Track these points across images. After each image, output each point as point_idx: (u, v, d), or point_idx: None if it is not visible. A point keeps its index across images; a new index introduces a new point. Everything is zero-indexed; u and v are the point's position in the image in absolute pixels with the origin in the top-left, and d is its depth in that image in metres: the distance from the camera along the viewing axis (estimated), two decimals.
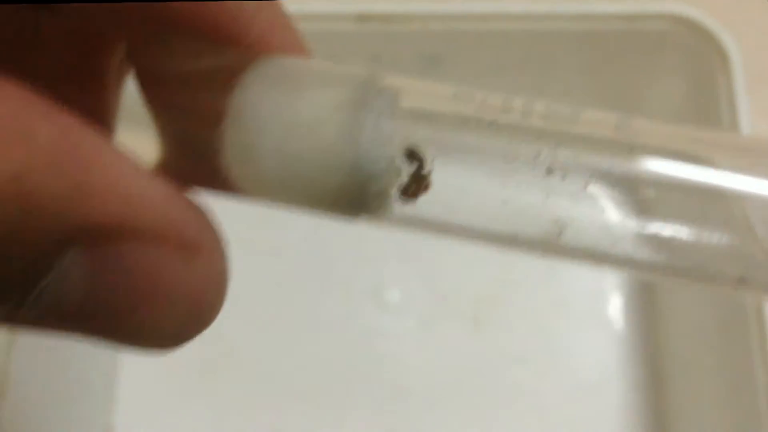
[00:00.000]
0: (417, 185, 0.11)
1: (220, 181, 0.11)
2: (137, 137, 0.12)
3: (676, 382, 0.35)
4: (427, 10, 0.35)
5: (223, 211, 0.12)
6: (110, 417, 0.35)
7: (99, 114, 0.12)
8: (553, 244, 0.11)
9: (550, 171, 0.11)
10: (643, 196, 0.11)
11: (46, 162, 0.09)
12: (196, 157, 0.11)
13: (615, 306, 0.37)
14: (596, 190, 0.11)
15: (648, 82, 0.38)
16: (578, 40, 0.36)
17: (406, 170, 0.11)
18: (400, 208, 0.11)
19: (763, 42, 0.40)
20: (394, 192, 0.11)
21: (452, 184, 0.11)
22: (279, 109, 0.10)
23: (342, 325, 0.37)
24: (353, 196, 0.10)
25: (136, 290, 0.10)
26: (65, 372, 0.33)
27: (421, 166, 0.11)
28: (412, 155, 0.11)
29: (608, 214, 0.11)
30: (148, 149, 0.12)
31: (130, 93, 0.12)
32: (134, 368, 0.36)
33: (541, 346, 0.37)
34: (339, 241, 0.38)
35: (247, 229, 0.37)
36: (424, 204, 0.11)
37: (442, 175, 0.11)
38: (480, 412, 0.35)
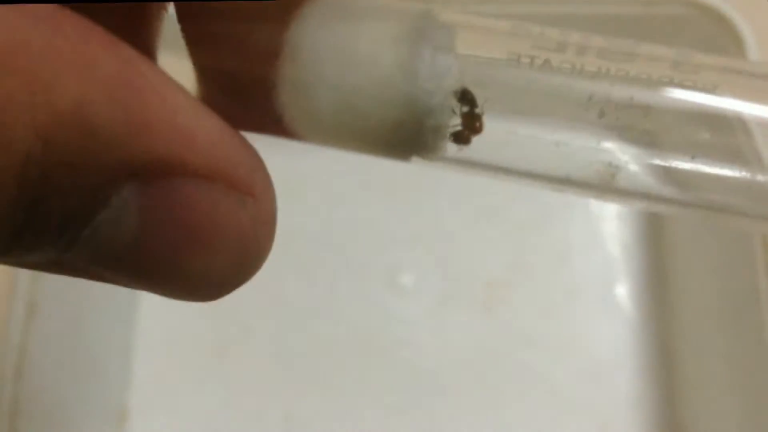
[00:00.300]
0: (470, 127, 0.11)
1: (272, 121, 0.11)
2: (176, 74, 0.12)
3: (686, 366, 0.35)
4: None
5: None
6: (125, 398, 0.35)
7: (143, 48, 0.12)
8: (606, 186, 0.11)
9: (603, 113, 0.11)
10: (697, 139, 0.11)
11: (105, 93, 0.09)
12: (247, 96, 0.11)
13: (625, 290, 0.37)
14: (650, 132, 0.11)
15: None
16: (593, 23, 0.36)
17: (459, 111, 0.11)
18: (453, 149, 0.11)
19: None
20: (449, 132, 0.11)
21: (503, 127, 0.11)
22: (337, 42, 0.10)
23: (356, 308, 0.37)
24: (410, 130, 0.10)
25: (190, 228, 0.10)
26: (81, 353, 0.33)
27: (473, 108, 0.11)
28: (464, 96, 0.11)
29: (660, 154, 0.11)
30: (188, 88, 0.11)
31: (168, 27, 0.12)
32: (149, 349, 0.36)
33: (553, 329, 0.37)
34: (354, 225, 0.38)
35: None
36: (476, 146, 0.11)
37: (494, 116, 0.11)
38: (492, 394, 0.36)
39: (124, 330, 0.35)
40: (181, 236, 0.10)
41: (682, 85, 0.10)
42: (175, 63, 0.12)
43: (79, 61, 0.09)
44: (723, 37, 0.34)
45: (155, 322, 0.36)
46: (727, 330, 0.33)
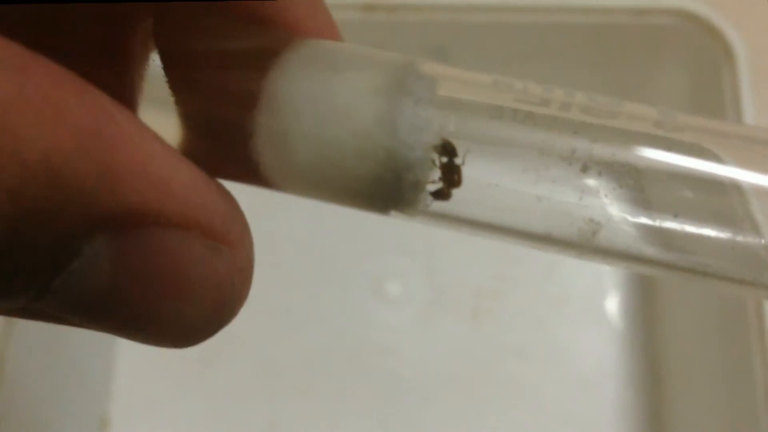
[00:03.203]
0: (449, 179, 0.10)
1: (248, 170, 0.10)
2: (158, 120, 0.11)
3: (673, 379, 0.35)
4: (434, 0, 0.34)
5: None
6: (106, 407, 0.35)
7: (122, 94, 0.12)
8: (586, 244, 0.11)
9: (585, 168, 0.10)
10: (681, 197, 0.10)
11: (75, 143, 0.09)
12: (225, 143, 0.11)
13: (613, 302, 0.37)
14: (633, 188, 0.10)
15: (653, 76, 0.38)
16: (584, 33, 0.36)
17: (439, 163, 0.10)
18: (432, 202, 0.11)
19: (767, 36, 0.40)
20: (428, 185, 0.10)
21: (485, 179, 0.11)
22: (315, 92, 0.10)
23: (342, 316, 0.36)
24: (388, 184, 0.10)
25: (162, 279, 0.10)
26: (62, 362, 0.33)
27: (453, 159, 0.10)
28: (445, 147, 0.10)
29: (644, 214, 0.10)
30: (169, 134, 0.11)
31: (153, 73, 0.12)
32: (131, 359, 0.35)
33: (540, 340, 0.36)
34: (340, 233, 0.38)
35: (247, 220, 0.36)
36: (457, 199, 0.11)
37: (475, 169, 0.10)
38: (477, 405, 0.35)
39: (106, 337, 0.35)
40: (154, 286, 0.10)
41: (664, 145, 0.10)
42: (161, 110, 0.11)
43: (49, 111, 0.09)
44: (713, 47, 0.34)
45: None
46: (714, 342, 0.33)
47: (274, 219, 0.38)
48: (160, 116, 0.11)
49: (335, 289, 0.37)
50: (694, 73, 0.36)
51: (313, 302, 0.37)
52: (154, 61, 0.11)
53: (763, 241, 0.10)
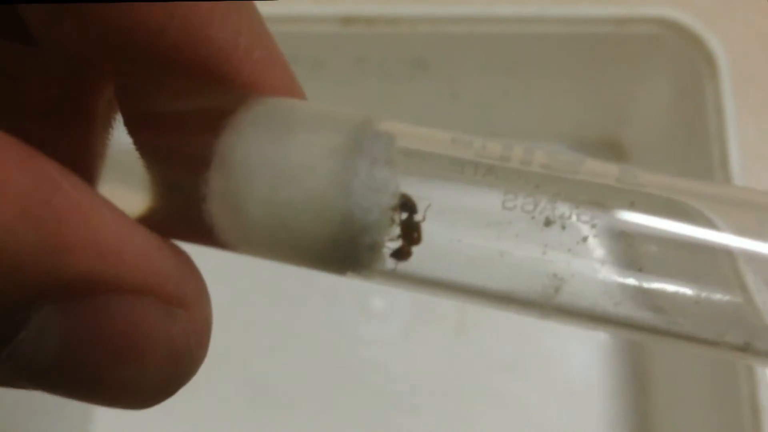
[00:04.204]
0: (409, 236, 0.10)
1: (203, 232, 0.10)
2: (127, 183, 0.11)
3: (660, 391, 0.35)
4: (413, 12, 0.34)
5: None
6: (88, 426, 0.34)
7: (83, 157, 0.11)
8: (549, 301, 0.10)
9: (549, 222, 0.10)
10: (643, 252, 0.10)
11: (17, 213, 0.09)
12: (179, 206, 0.11)
13: None
14: (596, 243, 0.10)
15: (636, 85, 0.38)
16: (566, 43, 0.35)
17: (399, 220, 0.10)
18: (391, 262, 0.10)
19: (751, 43, 0.40)
20: (386, 245, 0.10)
21: (447, 235, 0.10)
22: (268, 154, 0.10)
23: (326, 332, 0.36)
24: (344, 247, 0.10)
25: (115, 345, 0.10)
26: None
27: (413, 216, 0.10)
28: (405, 204, 0.10)
29: (607, 269, 0.10)
30: (137, 196, 0.11)
31: (120, 136, 0.11)
32: None
33: (526, 353, 0.36)
34: None
35: None
36: (416, 256, 0.10)
37: (436, 225, 0.10)
38: (464, 418, 0.35)
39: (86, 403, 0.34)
40: (106, 353, 0.10)
41: (628, 199, 0.10)
42: (123, 173, 0.11)
43: None
44: (695, 56, 0.34)
45: None
46: (700, 356, 0.33)
47: None
48: (123, 179, 0.11)
49: (320, 304, 0.37)
50: (677, 82, 0.36)
51: (297, 318, 0.36)
52: (118, 123, 0.11)
53: (728, 297, 0.10)
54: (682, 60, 0.35)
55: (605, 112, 0.39)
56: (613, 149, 0.40)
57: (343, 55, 0.35)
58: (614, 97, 0.38)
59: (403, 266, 0.10)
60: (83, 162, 0.11)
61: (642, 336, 0.10)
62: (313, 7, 0.35)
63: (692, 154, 0.35)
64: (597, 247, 0.10)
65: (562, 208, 0.10)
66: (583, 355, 0.36)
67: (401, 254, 0.10)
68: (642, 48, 0.36)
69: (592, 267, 0.10)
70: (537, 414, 0.35)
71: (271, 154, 0.10)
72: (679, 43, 0.35)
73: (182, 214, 0.10)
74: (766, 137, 0.38)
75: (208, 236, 0.10)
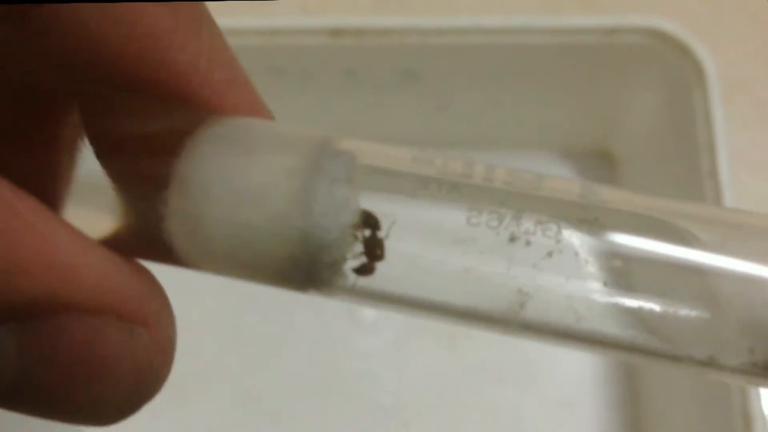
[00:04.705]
0: (372, 253, 0.10)
1: (164, 251, 0.10)
2: (93, 204, 0.11)
3: (652, 402, 0.35)
4: (402, 24, 0.34)
5: None
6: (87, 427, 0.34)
7: (46, 179, 0.11)
8: (515, 317, 0.10)
9: (513, 238, 0.10)
10: (608, 267, 0.10)
11: None
12: (142, 225, 0.11)
13: None
14: (561, 259, 0.10)
15: (625, 94, 0.38)
16: (555, 53, 0.35)
17: (361, 237, 0.10)
18: (354, 279, 0.10)
19: (739, 51, 0.40)
20: (348, 263, 0.10)
21: (411, 251, 0.10)
22: (227, 174, 0.10)
23: (317, 343, 0.36)
24: (304, 266, 0.10)
25: (75, 365, 0.10)
26: None
27: (376, 233, 0.10)
28: (368, 221, 0.10)
29: (572, 284, 0.10)
30: (104, 217, 0.11)
31: (87, 158, 0.11)
32: None
33: (518, 364, 0.36)
34: None
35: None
36: (379, 274, 0.10)
37: (400, 241, 0.10)
38: (456, 429, 0.35)
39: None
40: (67, 372, 0.10)
41: (592, 214, 0.10)
42: (89, 194, 0.11)
43: None
44: (684, 65, 0.34)
45: None
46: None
47: None
48: (90, 201, 0.11)
49: (311, 315, 0.37)
50: (666, 91, 0.36)
51: (287, 329, 0.36)
52: (86, 145, 0.11)
53: (694, 311, 0.10)
54: (671, 69, 0.35)
55: (595, 122, 0.39)
56: (603, 158, 0.40)
57: (331, 67, 0.35)
58: (603, 107, 0.38)
59: (367, 283, 0.10)
60: (46, 184, 0.11)
61: (608, 352, 0.10)
62: (301, 19, 0.35)
63: (682, 163, 0.35)
64: (562, 263, 0.10)
65: (527, 224, 0.10)
66: (576, 367, 0.36)
67: (364, 270, 0.10)
68: (631, 57, 0.36)
69: (557, 282, 0.10)
70: (530, 425, 0.35)
71: (229, 174, 0.10)
72: (667, 52, 0.35)
73: (144, 234, 0.10)
74: (756, 145, 0.38)
75: (169, 255, 0.10)
